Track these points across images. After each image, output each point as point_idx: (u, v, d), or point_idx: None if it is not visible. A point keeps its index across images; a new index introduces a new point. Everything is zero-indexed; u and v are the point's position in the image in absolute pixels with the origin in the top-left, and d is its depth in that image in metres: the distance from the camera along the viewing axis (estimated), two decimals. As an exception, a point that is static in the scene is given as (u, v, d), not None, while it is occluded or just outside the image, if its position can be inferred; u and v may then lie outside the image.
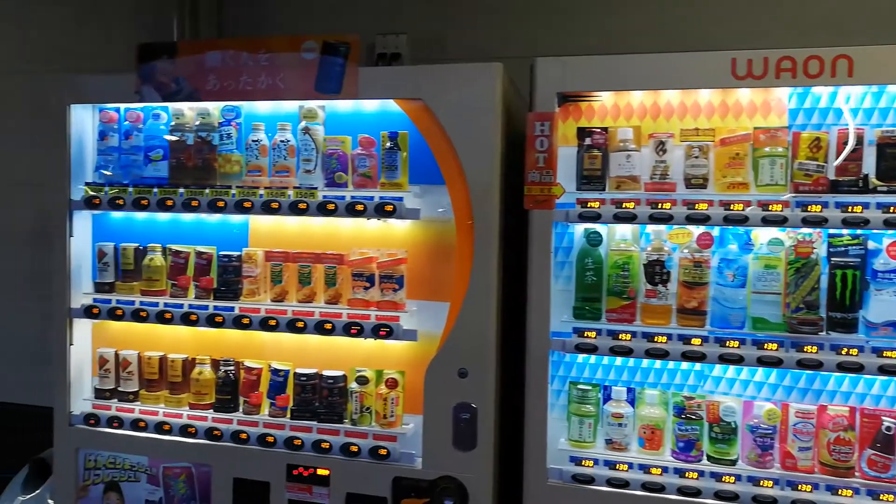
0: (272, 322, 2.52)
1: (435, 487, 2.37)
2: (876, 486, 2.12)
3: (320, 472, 2.48)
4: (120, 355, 2.75)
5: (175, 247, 2.70)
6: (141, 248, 2.74)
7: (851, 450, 2.14)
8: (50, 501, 2.94)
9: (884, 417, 2.12)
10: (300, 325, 2.49)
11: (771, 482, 2.18)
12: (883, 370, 2.07)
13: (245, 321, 2.54)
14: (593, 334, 2.28)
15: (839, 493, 2.14)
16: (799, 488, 2.16)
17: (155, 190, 2.64)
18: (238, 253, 2.64)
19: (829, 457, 2.15)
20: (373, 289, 2.48)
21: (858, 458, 2.15)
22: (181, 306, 2.63)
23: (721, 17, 2.88)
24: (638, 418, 2.33)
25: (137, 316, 2.66)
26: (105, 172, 2.74)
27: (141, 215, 2.80)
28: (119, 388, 2.74)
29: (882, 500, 2.11)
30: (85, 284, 2.80)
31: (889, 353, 2.07)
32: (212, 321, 2.58)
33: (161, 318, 2.63)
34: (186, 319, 2.61)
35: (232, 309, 2.58)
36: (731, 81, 2.15)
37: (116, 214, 2.83)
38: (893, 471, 2.12)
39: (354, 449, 2.45)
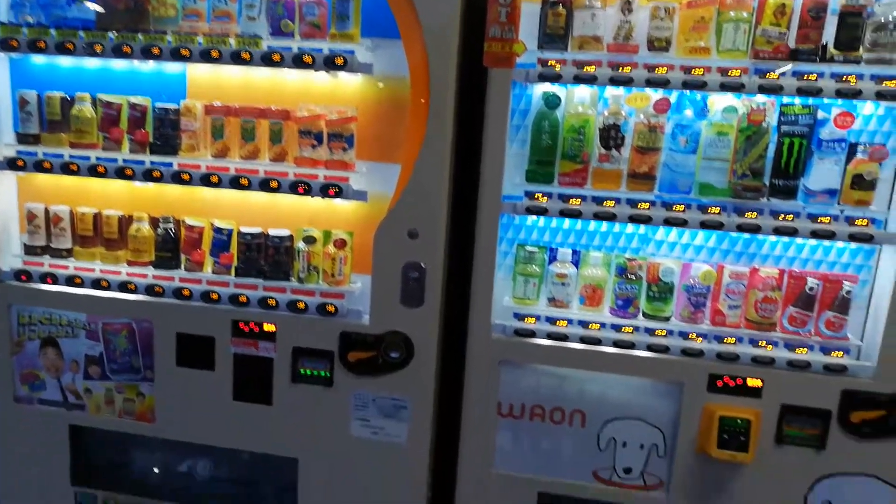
0: (214, 179, 2.23)
1: (381, 341, 2.23)
2: (792, 339, 2.14)
3: (266, 327, 2.29)
4: (50, 211, 2.41)
5: (106, 97, 2.32)
6: (68, 97, 2.35)
7: (776, 308, 2.13)
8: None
9: (808, 278, 2.10)
10: (244, 182, 2.21)
11: (700, 337, 2.16)
12: (815, 234, 2.03)
13: (185, 177, 2.24)
14: (544, 198, 2.11)
15: (759, 344, 2.14)
16: (724, 342, 2.15)
17: (81, 34, 2.22)
18: (175, 106, 2.29)
19: (756, 314, 2.13)
20: (321, 147, 2.21)
21: (781, 316, 2.14)
22: (115, 160, 2.29)
23: None
24: (581, 278, 2.23)
25: (67, 169, 2.30)
26: (23, 14, 2.28)
27: (66, 62, 2.38)
28: (52, 245, 2.42)
29: (797, 351, 2.12)
30: (6, 135, 2.41)
31: (822, 219, 2.03)
32: (149, 176, 2.26)
33: (93, 171, 2.29)
34: (121, 174, 2.28)
35: (170, 165, 2.26)
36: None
37: (38, 59, 2.40)
38: (809, 326, 2.13)
39: (301, 306, 2.27)
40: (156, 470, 2.59)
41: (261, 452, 2.41)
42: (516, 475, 2.28)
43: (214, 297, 2.30)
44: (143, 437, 2.50)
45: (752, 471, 2.14)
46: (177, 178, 2.24)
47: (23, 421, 2.51)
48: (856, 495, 2.12)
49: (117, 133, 2.31)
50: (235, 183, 2.21)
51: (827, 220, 2.02)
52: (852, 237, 2.01)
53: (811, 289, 2.09)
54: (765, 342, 2.13)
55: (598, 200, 2.09)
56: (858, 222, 2.02)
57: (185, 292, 2.32)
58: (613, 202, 2.08)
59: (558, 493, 2.28)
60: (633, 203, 2.08)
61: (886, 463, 2.09)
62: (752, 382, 2.11)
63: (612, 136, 2.06)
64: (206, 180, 2.22)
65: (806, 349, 2.12)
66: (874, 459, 2.09)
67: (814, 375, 2.09)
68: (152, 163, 2.26)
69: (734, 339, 2.14)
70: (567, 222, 2.27)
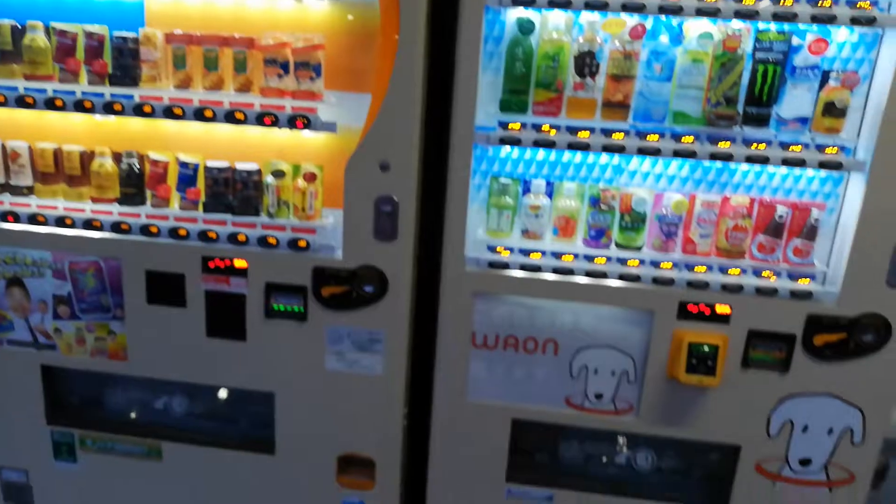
0: (177, 111, 2.11)
1: (355, 276, 2.18)
2: (761, 266, 2.14)
3: (237, 263, 2.22)
4: (7, 146, 2.28)
5: (60, 25, 2.17)
6: (19, 26, 2.18)
7: (746, 235, 2.12)
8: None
9: (778, 206, 2.09)
10: (209, 114, 2.10)
11: (671, 265, 2.15)
12: (786, 162, 2.01)
13: (147, 109, 2.12)
14: (518, 126, 2.05)
15: (729, 272, 2.14)
16: (695, 270, 2.15)
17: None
18: (134, 34, 2.15)
19: (726, 242, 2.12)
20: (287, 77, 2.10)
21: (750, 244, 2.14)
22: (73, 93, 2.15)
23: None
24: (554, 210, 2.19)
25: (23, 102, 2.16)
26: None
27: (10, -14, 2.21)
28: (10, 183, 2.30)
29: (764, 276, 2.13)
30: (-49, 65, 2.23)
31: (794, 147, 2.00)
32: (110, 109, 2.13)
33: (51, 105, 2.15)
34: (80, 107, 2.15)
35: (131, 97, 2.13)
36: None
37: (-23, -15, 2.21)
38: (778, 254, 2.13)
39: (272, 241, 2.20)
40: (132, 407, 2.56)
41: (236, 388, 2.39)
42: (491, 403, 2.29)
43: (183, 233, 2.22)
44: (117, 376, 2.45)
45: (718, 394, 2.18)
46: (138, 111, 2.12)
47: (-7, 363, 2.45)
48: (815, 414, 2.18)
49: (74, 64, 2.17)
50: (200, 115, 2.10)
51: (798, 148, 2.00)
52: (822, 165, 2.00)
53: (780, 217, 2.08)
54: (735, 269, 2.13)
55: (573, 130, 2.03)
56: (828, 150, 2.00)
57: (153, 229, 2.23)
58: (588, 132, 2.03)
59: (532, 420, 2.30)
60: (607, 133, 2.03)
61: (845, 383, 2.14)
62: (721, 309, 2.12)
63: (587, 63, 1.99)
64: (168, 112, 2.11)
65: (774, 276, 2.13)
66: (834, 380, 2.14)
67: (780, 301, 2.10)
68: (112, 95, 2.13)
69: (705, 267, 2.14)
70: (541, 153, 2.21)
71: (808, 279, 2.12)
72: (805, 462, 2.23)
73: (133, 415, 2.56)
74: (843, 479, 2.23)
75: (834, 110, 1.96)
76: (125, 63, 2.15)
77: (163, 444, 2.47)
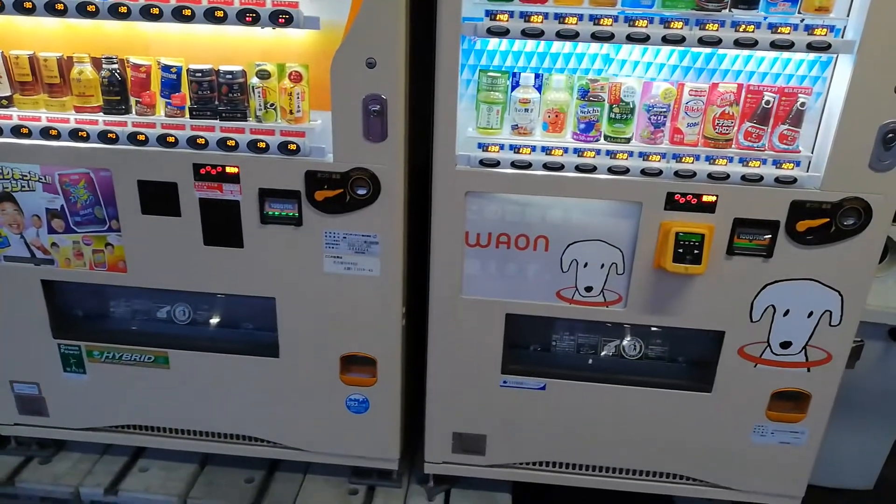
0: (154, 11, 1.94)
1: (347, 179, 2.09)
2: (747, 153, 2.06)
3: (229, 169, 2.11)
4: (-20, 56, 2.09)
5: (23, -76, 1.95)
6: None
7: (733, 123, 2.03)
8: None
9: (765, 92, 1.99)
10: (187, 13, 1.94)
11: (659, 156, 2.07)
12: (774, 45, 1.89)
13: (123, 10, 1.95)
14: (505, 17, 1.91)
15: (715, 162, 2.06)
16: (682, 160, 2.06)
17: None
18: (102, -69, 1.94)
19: (713, 131, 2.03)
20: (266, -29, 1.92)
21: (737, 131, 2.04)
22: (43, -6, 1.96)
23: None
24: (543, 103, 2.08)
25: (-6, 6, 1.98)
26: None
27: None
28: (-12, 94, 2.13)
29: (750, 165, 2.05)
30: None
31: (783, 29, 1.88)
32: (83, 10, 1.96)
33: (20, 8, 1.97)
34: (52, 9, 1.97)
35: (106, -2, 1.95)
36: None
37: None
38: (764, 141, 2.05)
39: (262, 145, 2.09)
40: (135, 318, 2.49)
41: (237, 294, 2.31)
42: (485, 299, 2.25)
43: (171, 140, 2.09)
44: (118, 287, 2.37)
45: (703, 281, 2.14)
46: (114, 12, 1.94)
47: (-7, 280, 2.36)
48: (797, 298, 2.15)
49: (42, -38, 1.98)
50: (178, 14, 1.93)
51: (787, 30, 1.88)
52: (810, 47, 1.89)
53: (767, 102, 1.98)
54: (721, 159, 2.05)
55: (561, 17, 1.89)
56: (817, 31, 1.88)
57: (141, 137, 2.10)
58: (576, 18, 1.89)
59: (525, 314, 2.26)
60: (595, 19, 1.89)
61: (826, 267, 2.11)
62: (707, 198, 2.05)
63: (574, -55, 1.83)
64: (146, 13, 1.94)
65: (759, 163, 2.05)
66: (815, 265, 2.10)
67: (765, 188, 2.04)
68: (88, -6, 1.96)
69: (692, 157, 2.05)
70: (529, 45, 2.08)
71: (792, 165, 2.04)
72: (785, 344, 2.22)
73: (137, 325, 2.49)
74: (821, 359, 2.23)
75: (825, -12, 1.83)
76: (96, -37, 1.97)
77: (169, 353, 2.42)
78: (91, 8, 1.94)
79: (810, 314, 2.17)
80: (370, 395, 2.41)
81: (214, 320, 2.49)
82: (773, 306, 2.17)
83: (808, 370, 2.25)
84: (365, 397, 2.42)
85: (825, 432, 2.36)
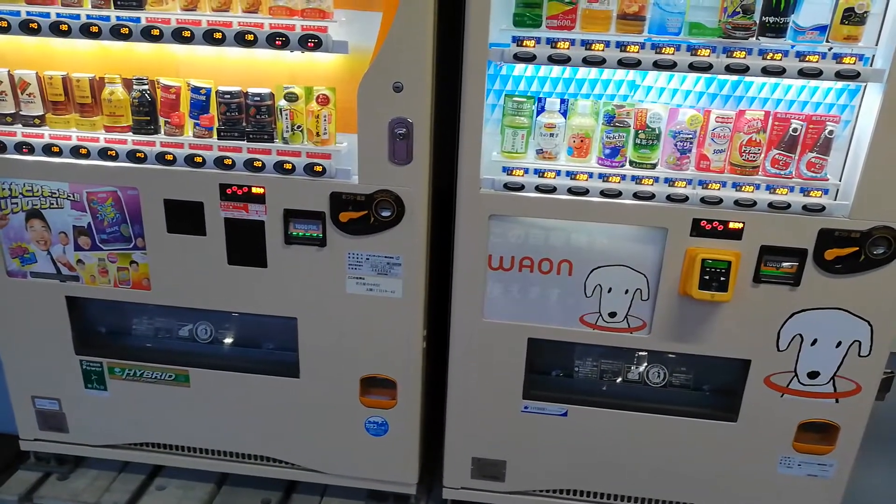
0: (186, 34, 2.00)
1: (372, 200, 2.12)
2: (774, 181, 2.07)
3: (255, 190, 2.16)
4: (15, 76, 2.18)
5: (58, -52, 2.03)
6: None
7: (760, 150, 2.04)
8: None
9: (793, 120, 2.00)
10: (218, 36, 2.00)
11: (685, 182, 2.08)
12: (802, 73, 1.91)
13: (155, 32, 2.01)
14: (532, 43, 1.94)
15: (742, 189, 2.07)
16: (709, 187, 2.08)
17: None
18: (136, -45, 2.02)
19: (740, 157, 2.05)
20: (296, -5, 1.98)
21: (764, 159, 2.06)
22: (78, 17, 2.04)
23: None
24: (569, 128, 2.11)
25: (27, 28, 2.05)
26: None
27: None
28: (21, 113, 2.21)
29: (777, 193, 2.06)
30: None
31: (811, 58, 1.90)
32: (117, 33, 2.03)
33: (56, 30, 2.05)
34: (87, 31, 2.04)
35: (138, 20, 2.02)
36: None
37: None
38: (791, 169, 2.05)
39: (288, 167, 2.13)
40: (158, 336, 2.54)
41: (259, 314, 2.35)
42: (507, 323, 2.27)
43: (199, 160, 2.15)
44: (141, 305, 2.42)
45: (729, 309, 2.14)
46: (147, 35, 2.01)
47: (19, 295, 2.41)
48: (825, 327, 2.15)
49: (75, -17, 2.05)
50: (209, 38, 1.99)
51: (815, 58, 1.90)
52: (839, 75, 1.90)
53: (795, 130, 2.00)
54: (748, 186, 2.06)
55: (587, 44, 1.93)
56: (846, 60, 1.90)
57: (169, 157, 2.16)
58: (603, 45, 1.93)
59: (547, 339, 2.27)
60: (622, 46, 1.93)
61: (854, 296, 2.10)
62: (734, 225, 2.06)
63: (601, -27, 1.87)
64: (177, 36, 2.00)
65: (786, 190, 2.06)
66: (843, 293, 2.10)
67: (793, 216, 2.05)
68: (118, 18, 2.01)
69: (718, 184, 2.07)
70: (556, 70, 2.11)
71: (820, 193, 2.05)
72: (813, 375, 2.21)
73: (160, 343, 2.54)
74: (850, 390, 2.22)
75: (853, 17, 1.85)
76: (130, -16, 2.04)
77: (190, 371, 2.46)
78: (124, 31, 2.00)
79: (839, 344, 2.16)
80: (389, 418, 2.43)
81: (236, 339, 2.53)
82: (800, 335, 2.17)
83: (837, 401, 2.23)
84: (384, 420, 2.44)
85: (854, 465, 2.34)
